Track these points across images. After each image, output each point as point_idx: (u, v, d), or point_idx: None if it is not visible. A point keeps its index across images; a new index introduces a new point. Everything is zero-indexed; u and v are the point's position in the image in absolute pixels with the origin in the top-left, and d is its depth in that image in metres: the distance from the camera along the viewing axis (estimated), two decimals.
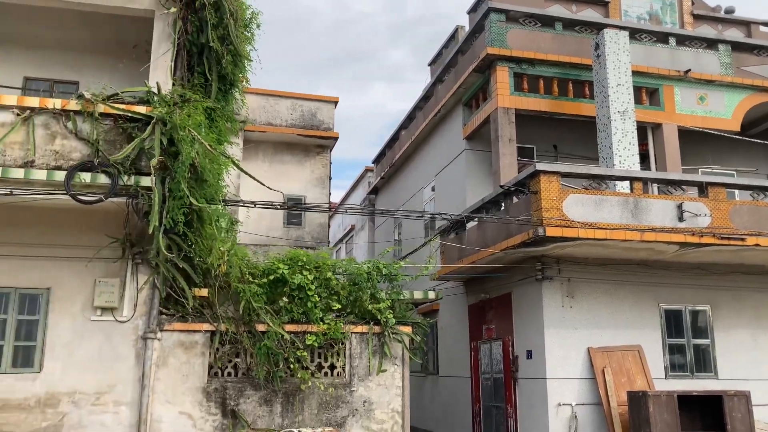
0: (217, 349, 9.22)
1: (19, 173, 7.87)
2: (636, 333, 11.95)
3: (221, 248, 8.97)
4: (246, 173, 9.61)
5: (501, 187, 12.02)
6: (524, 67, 13.98)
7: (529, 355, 11.94)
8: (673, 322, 12.27)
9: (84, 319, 8.80)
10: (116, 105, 8.37)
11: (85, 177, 8.02)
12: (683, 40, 15.19)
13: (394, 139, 21.48)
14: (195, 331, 9.10)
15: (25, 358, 8.61)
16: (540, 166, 11.00)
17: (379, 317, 9.77)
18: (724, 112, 15.05)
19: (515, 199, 11.80)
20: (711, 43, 15.36)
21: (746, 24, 17.08)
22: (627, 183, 11.80)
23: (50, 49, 10.87)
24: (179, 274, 8.78)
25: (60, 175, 7.97)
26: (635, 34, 14.73)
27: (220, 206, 9.16)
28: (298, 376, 9.26)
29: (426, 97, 18.27)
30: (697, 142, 15.22)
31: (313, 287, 9.49)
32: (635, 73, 13.97)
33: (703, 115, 14.87)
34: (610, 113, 12.97)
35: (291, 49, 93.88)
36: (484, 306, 13.96)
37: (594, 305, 11.84)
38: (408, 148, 19.41)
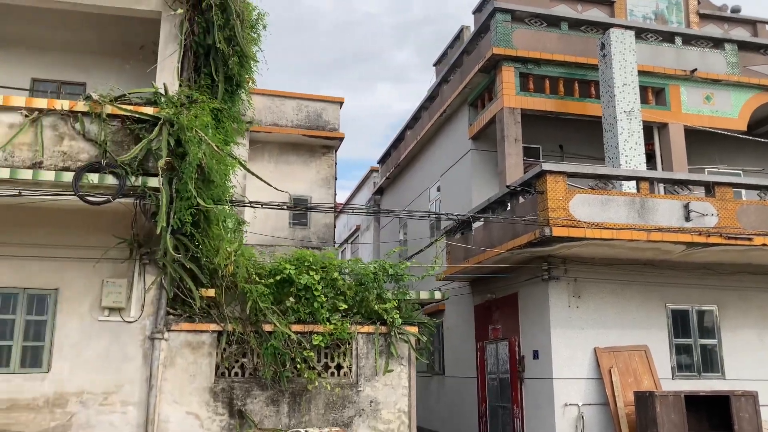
0: (224, 349, 9.23)
1: (27, 174, 7.90)
2: (643, 333, 11.93)
3: (228, 249, 8.99)
4: (253, 174, 9.63)
5: (507, 187, 12.02)
6: (530, 67, 13.97)
7: (536, 355, 11.93)
8: (679, 322, 12.25)
9: (92, 319, 8.82)
10: (124, 106, 8.40)
11: (93, 178, 8.05)
12: (689, 40, 15.16)
13: (400, 139, 21.49)
14: (202, 332, 9.12)
15: (33, 359, 8.64)
16: (546, 166, 10.99)
17: (385, 317, 9.78)
18: (731, 111, 15.01)
19: (521, 199, 11.80)
20: (717, 43, 15.31)
21: (752, 23, 17.02)
22: (633, 183, 11.79)
23: (57, 51, 10.91)
24: (186, 274, 8.81)
25: (68, 176, 8.00)
26: (641, 33, 14.70)
27: (227, 207, 9.18)
28: (305, 376, 9.27)
29: (431, 98, 18.27)
30: (704, 142, 15.18)
31: (319, 287, 9.50)
32: (641, 72, 13.94)
33: (709, 115, 14.83)
34: (617, 113, 12.95)
35: (295, 49, 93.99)
36: (490, 306, 13.95)
37: (600, 305, 11.83)
38: (413, 149, 19.41)
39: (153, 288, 8.91)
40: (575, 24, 14.54)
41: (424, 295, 10.45)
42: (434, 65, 20.44)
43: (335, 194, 18.58)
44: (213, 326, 9.15)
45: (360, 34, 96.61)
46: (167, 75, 9.07)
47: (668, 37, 15.04)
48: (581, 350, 11.54)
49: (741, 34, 16.46)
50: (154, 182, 8.11)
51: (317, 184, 18.17)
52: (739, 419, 10.40)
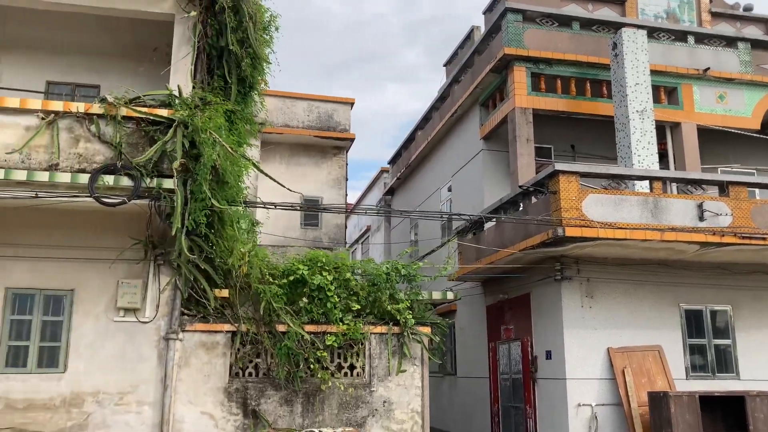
0: (238, 349, 9.28)
1: (44, 176, 7.99)
2: (656, 333, 11.88)
3: (242, 249, 9.05)
4: (267, 175, 9.68)
5: (520, 187, 12.00)
6: (541, 66, 13.95)
7: (549, 355, 11.91)
8: (693, 322, 12.19)
9: (107, 319, 8.90)
10: (138, 108, 8.47)
11: (109, 179, 8.13)
12: (702, 39, 15.08)
13: (410, 139, 21.50)
14: (216, 332, 9.18)
15: (50, 359, 8.73)
16: (559, 166, 10.97)
17: (398, 317, 9.79)
18: (744, 110, 14.91)
19: (534, 200, 11.78)
20: (730, 41, 15.23)
21: (765, 21, 16.91)
22: (646, 182, 11.74)
23: (72, 54, 10.99)
24: (201, 275, 8.88)
25: (84, 178, 8.08)
26: (653, 32, 14.64)
27: (240, 208, 9.23)
28: (319, 376, 9.31)
29: (442, 98, 18.27)
30: (717, 141, 15.09)
31: (332, 288, 9.53)
32: (653, 72, 13.88)
33: (722, 114, 14.74)
34: (629, 112, 12.90)
35: (304, 50, 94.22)
36: (503, 306, 13.93)
37: (613, 305, 11.79)
38: (424, 149, 19.41)
39: (168, 288, 8.97)
40: (587, 23, 14.51)
41: (436, 295, 10.46)
42: (444, 65, 20.44)
43: (346, 195, 18.62)
44: (227, 326, 9.20)
45: (369, 34, 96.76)
46: (181, 77, 9.13)
47: (680, 36, 14.97)
48: (594, 350, 11.50)
49: (754, 32, 16.36)
50: (168, 184, 8.17)
51: (328, 185, 18.22)
52: (754, 419, 10.34)
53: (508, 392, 13.49)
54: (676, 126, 14.52)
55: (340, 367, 9.67)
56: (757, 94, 15.02)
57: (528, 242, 11.22)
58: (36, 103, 8.43)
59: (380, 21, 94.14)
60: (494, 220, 12.79)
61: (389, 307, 9.81)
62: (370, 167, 67.97)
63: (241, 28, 9.43)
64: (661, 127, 14.24)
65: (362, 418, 9.49)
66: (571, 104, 14.02)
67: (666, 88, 14.70)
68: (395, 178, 22.85)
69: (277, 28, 10.17)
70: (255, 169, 9.78)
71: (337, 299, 9.53)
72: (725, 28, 16.24)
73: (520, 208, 12.26)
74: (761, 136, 15.20)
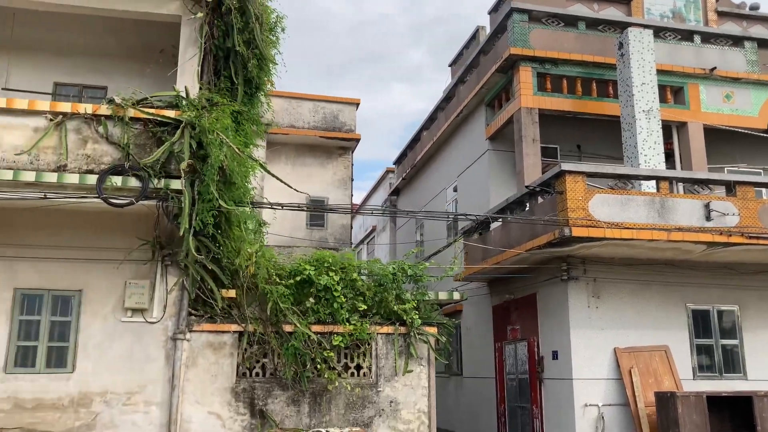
0: (245, 349, 9.30)
1: (52, 177, 8.02)
2: (663, 333, 11.85)
3: (249, 250, 9.07)
4: (274, 176, 9.69)
5: (526, 187, 12.00)
6: (547, 66, 13.94)
7: (555, 355, 11.90)
8: (700, 323, 12.16)
9: (115, 320, 8.93)
10: (146, 109, 8.50)
11: (117, 180, 8.16)
12: (708, 38, 15.04)
13: (416, 140, 21.50)
14: (223, 332, 9.20)
15: (58, 359, 8.76)
16: (565, 166, 10.96)
17: (404, 318, 9.80)
18: (751, 110, 14.87)
19: (540, 200, 11.77)
20: (736, 41, 15.19)
21: None
22: (653, 182, 11.72)
23: (79, 55, 11.03)
24: (208, 275, 8.90)
25: (92, 179, 8.11)
26: (659, 32, 14.61)
27: (247, 208, 9.25)
28: (325, 376, 9.32)
29: (447, 98, 18.27)
30: (723, 141, 15.05)
31: (339, 288, 9.54)
32: (659, 71, 13.85)
33: (729, 114, 14.71)
34: (635, 112, 12.88)
35: (307, 51, 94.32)
36: (509, 306, 13.93)
37: (620, 305, 11.77)
38: (430, 149, 19.42)
39: (175, 289, 9.00)
40: (592, 23, 14.49)
41: (442, 295, 10.47)
42: (449, 66, 20.45)
43: (351, 195, 18.63)
44: (234, 327, 9.22)
45: (373, 34, 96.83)
46: (187, 78, 9.15)
47: (687, 35, 14.94)
48: (601, 350, 11.49)
49: (760, 31, 16.30)
50: (176, 184, 8.19)
51: (334, 185, 18.23)
52: (762, 420, 10.31)
53: (515, 392, 13.48)
54: (682, 126, 14.49)
55: (346, 367, 9.68)
56: (763, 94, 14.97)
57: (534, 242, 11.21)
58: (44, 104, 8.47)
59: (385, 21, 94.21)
60: (500, 220, 12.78)
61: (396, 308, 9.82)
62: (374, 167, 67.95)
63: (247, 29, 9.45)
64: (667, 127, 14.22)
65: (369, 418, 9.50)
66: (577, 104, 14.01)
67: (672, 88, 14.68)
68: (401, 179, 22.87)
69: (283, 29, 10.19)
70: (262, 170, 9.80)
71: (343, 299, 9.54)
72: (731, 28, 16.19)
73: (527, 208, 12.26)
74: None
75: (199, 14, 9.29)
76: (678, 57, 14.68)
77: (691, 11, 16.22)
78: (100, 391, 8.70)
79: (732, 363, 12.18)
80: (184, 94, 8.73)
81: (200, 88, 9.08)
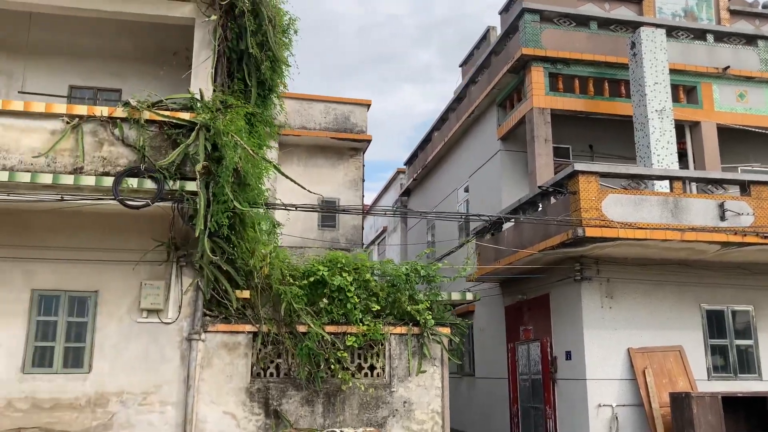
0: (260, 349, 9.36)
1: (69, 179, 8.12)
2: (676, 333, 11.80)
3: (263, 251, 9.12)
4: (288, 178, 9.75)
5: (539, 187, 11.98)
6: (559, 66, 13.92)
7: (568, 356, 11.88)
8: (714, 323, 12.09)
9: (130, 320, 9.01)
10: (161, 112, 8.58)
11: (133, 182, 8.24)
12: (721, 37, 14.97)
13: (427, 140, 21.51)
14: (238, 332, 9.26)
15: (75, 359, 8.85)
16: (578, 166, 10.94)
17: (417, 318, 9.83)
18: (765, 108, 14.78)
19: (553, 200, 11.76)
20: (750, 39, 15.10)
21: None
22: (666, 182, 11.67)
23: (94, 58, 11.13)
24: (222, 276, 8.97)
25: (108, 181, 8.20)
26: (671, 31, 14.55)
27: (262, 210, 9.31)
28: (339, 376, 9.36)
29: (458, 99, 18.27)
30: (737, 140, 14.97)
31: (352, 289, 9.58)
32: (672, 70, 13.78)
33: (742, 113, 14.63)
34: (648, 112, 12.84)
35: (317, 53, 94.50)
36: (521, 307, 13.91)
37: (633, 306, 11.73)
38: (441, 150, 19.42)
39: (190, 290, 9.07)
40: (604, 23, 14.46)
41: (455, 296, 10.48)
42: (460, 66, 20.45)
43: (363, 196, 18.67)
44: (248, 327, 9.28)
45: (382, 35, 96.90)
46: (201, 81, 9.23)
47: (699, 34, 14.87)
48: (614, 351, 11.45)
49: None
50: (191, 186, 8.26)
51: (345, 186, 18.27)
52: None
53: (528, 393, 13.47)
54: (695, 125, 14.43)
55: (360, 368, 9.72)
56: None
57: (547, 243, 11.20)
58: (61, 107, 8.57)
59: (393, 22, 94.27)
60: (513, 220, 12.78)
61: (409, 308, 9.84)
62: (383, 168, 68.05)
63: (260, 32, 9.51)
64: (680, 127, 14.15)
65: (383, 418, 9.52)
66: (589, 104, 13.98)
67: (685, 87, 14.62)
68: (412, 179, 22.88)
69: (296, 31, 10.25)
70: (275, 171, 9.85)
71: (357, 300, 9.58)
72: (744, 26, 16.10)
73: (539, 209, 12.24)
74: None
75: (213, 17, 9.36)
76: (691, 56, 14.62)
77: (703, 10, 16.15)
78: (116, 391, 8.78)
79: (747, 363, 12.10)
80: (198, 97, 8.81)
81: (214, 90, 9.15)
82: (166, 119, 8.52)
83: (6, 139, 8.25)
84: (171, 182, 8.30)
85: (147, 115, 8.51)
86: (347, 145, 18.21)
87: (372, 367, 9.76)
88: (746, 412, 10.70)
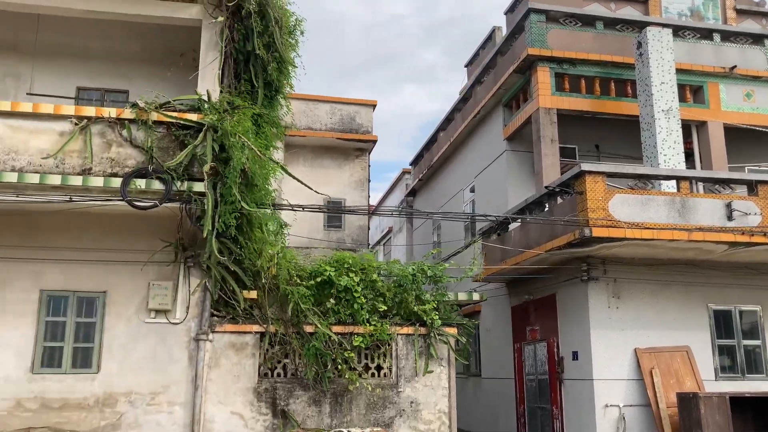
0: (267, 350, 9.39)
1: (77, 180, 8.16)
2: (683, 334, 11.78)
3: (270, 251, 9.15)
4: (295, 178, 9.78)
5: (546, 187, 11.98)
6: (565, 67, 13.91)
7: (575, 356, 11.86)
8: (722, 323, 12.06)
9: (138, 321, 9.05)
10: (169, 113, 8.61)
11: (141, 183, 8.27)
12: (728, 36, 14.93)
13: (432, 141, 21.52)
14: (245, 333, 9.29)
15: (83, 359, 8.90)
16: (585, 167, 10.94)
17: (424, 318, 9.83)
18: None
19: (560, 200, 11.75)
20: (757, 38, 15.06)
21: None
22: (673, 182, 11.65)
23: (101, 60, 11.16)
24: (230, 276, 9.00)
25: (116, 182, 8.24)
26: (678, 31, 14.52)
27: (269, 210, 9.33)
28: (346, 376, 9.38)
29: (464, 99, 18.27)
30: (743, 140, 14.93)
31: (359, 289, 9.60)
32: (679, 70, 13.75)
33: (749, 112, 14.59)
34: (654, 112, 12.82)
35: (322, 53, 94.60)
36: (528, 307, 13.90)
37: (640, 306, 11.71)
38: (446, 150, 19.42)
39: (198, 290, 9.10)
40: (610, 23, 14.44)
41: (462, 296, 10.49)
42: (465, 66, 20.45)
43: (368, 196, 18.69)
44: (256, 327, 9.31)
45: (386, 35, 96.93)
46: (208, 82, 9.25)
47: (706, 33, 14.84)
48: (621, 351, 11.44)
49: None
50: (199, 187, 8.29)
51: (351, 187, 18.30)
52: None
53: (534, 393, 13.46)
54: (702, 125, 14.40)
55: (367, 368, 9.73)
56: None
57: (554, 243, 11.19)
58: (69, 108, 8.61)
59: (398, 22, 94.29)
60: (519, 220, 12.77)
61: (416, 308, 9.86)
62: (388, 168, 68.11)
63: (267, 33, 9.53)
64: (687, 126, 14.13)
65: (390, 418, 9.54)
66: (595, 104, 13.97)
67: (692, 87, 14.59)
68: (417, 180, 22.89)
69: (302, 32, 10.26)
70: (282, 172, 9.88)
71: (363, 300, 9.59)
72: (751, 26, 16.06)
73: (546, 209, 12.24)
74: None
75: (220, 18, 9.39)
76: (697, 56, 14.59)
77: (709, 9, 16.10)
78: (124, 392, 8.82)
79: (755, 363, 12.07)
80: (206, 98, 8.83)
81: (221, 92, 9.18)
82: (174, 120, 8.56)
83: (15, 141, 8.30)
84: (179, 183, 8.33)
85: (155, 116, 8.54)
86: (353, 146, 18.24)
87: (379, 367, 9.78)
88: (754, 412, 10.67)
